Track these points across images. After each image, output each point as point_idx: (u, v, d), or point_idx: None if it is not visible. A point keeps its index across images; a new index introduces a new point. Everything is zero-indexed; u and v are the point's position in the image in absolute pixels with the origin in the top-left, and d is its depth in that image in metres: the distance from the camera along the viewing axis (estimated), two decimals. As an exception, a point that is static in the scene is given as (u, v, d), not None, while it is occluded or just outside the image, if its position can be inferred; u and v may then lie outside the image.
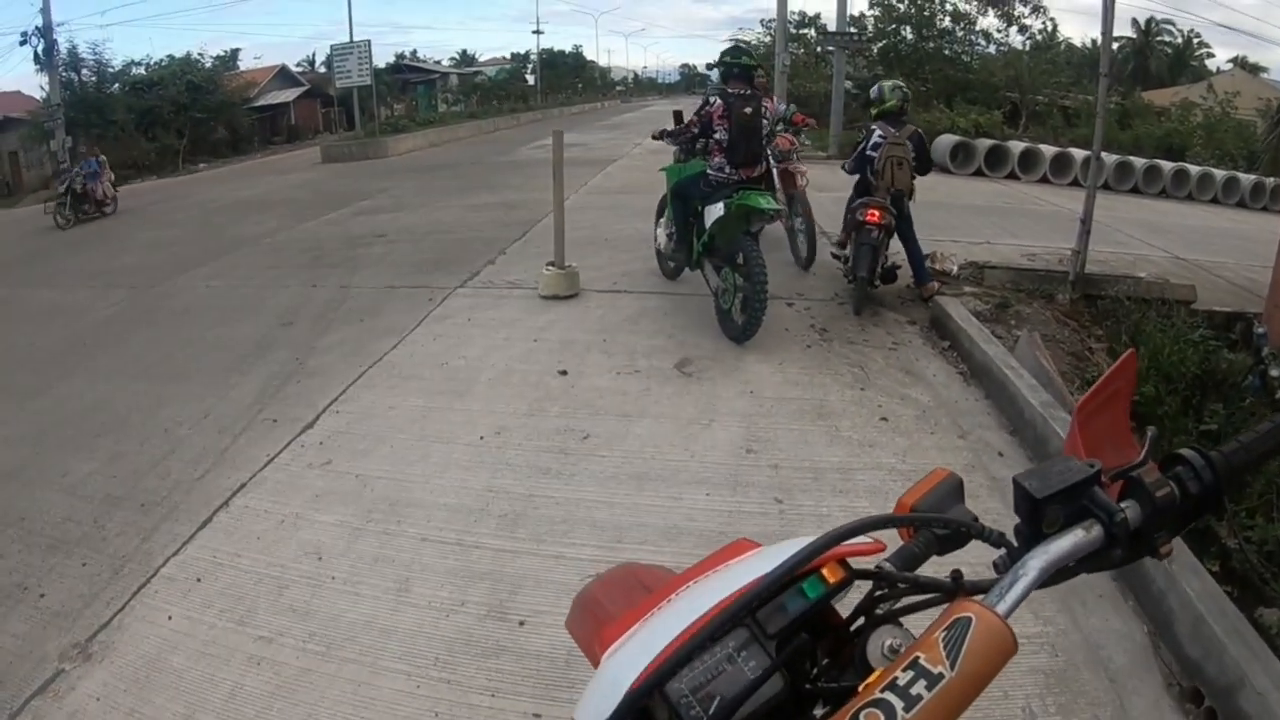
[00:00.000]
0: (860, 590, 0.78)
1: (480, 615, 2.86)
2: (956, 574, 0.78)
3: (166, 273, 9.34)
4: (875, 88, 6.62)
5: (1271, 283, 5.73)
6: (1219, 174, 16.48)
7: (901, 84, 6.64)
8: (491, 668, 2.60)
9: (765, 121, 5.62)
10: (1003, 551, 0.79)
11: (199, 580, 3.22)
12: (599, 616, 1.11)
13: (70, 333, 7.27)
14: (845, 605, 0.79)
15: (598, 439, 4.18)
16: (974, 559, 0.85)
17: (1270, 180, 16.85)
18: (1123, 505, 0.79)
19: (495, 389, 4.89)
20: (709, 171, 5.60)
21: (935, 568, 0.79)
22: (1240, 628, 2.39)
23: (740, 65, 5.65)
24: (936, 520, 0.82)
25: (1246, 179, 16.69)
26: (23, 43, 25.96)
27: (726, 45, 6.10)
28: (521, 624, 2.80)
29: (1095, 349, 6.10)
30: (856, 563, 0.77)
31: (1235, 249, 9.76)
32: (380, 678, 2.59)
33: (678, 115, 6.57)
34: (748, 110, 5.47)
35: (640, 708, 0.71)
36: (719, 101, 5.51)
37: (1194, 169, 16.42)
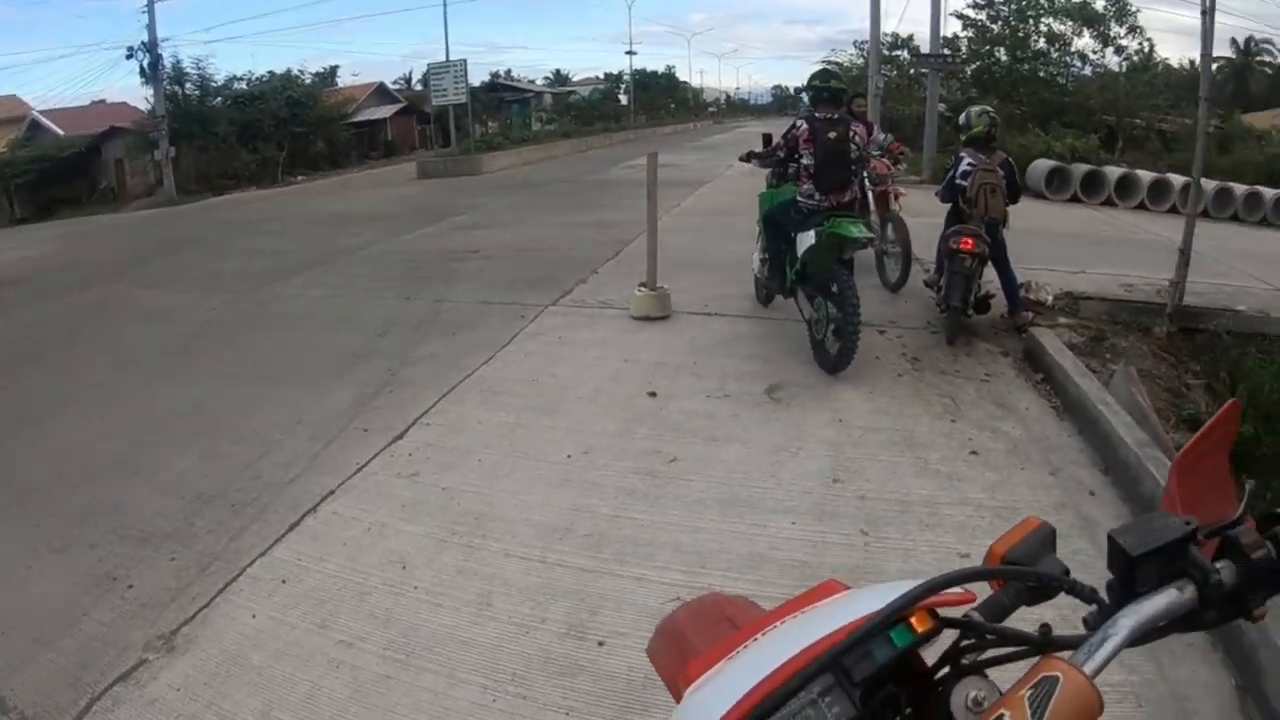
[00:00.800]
0: (946, 637, 0.80)
1: (560, 633, 2.94)
2: (1045, 628, 0.79)
3: (266, 279, 9.87)
4: (963, 114, 6.67)
5: None
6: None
7: (990, 109, 6.64)
8: (569, 686, 2.67)
9: (854, 146, 5.63)
10: (1093, 608, 0.80)
11: (284, 582, 3.39)
12: (682, 648, 1.16)
13: (171, 334, 7.71)
14: (931, 651, 0.81)
15: (685, 462, 4.24)
16: (1067, 609, 0.86)
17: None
18: (1218, 566, 0.79)
19: (585, 408, 5.01)
20: (799, 198, 5.66)
21: (1023, 616, 0.81)
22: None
23: (829, 89, 5.71)
24: (1029, 574, 0.82)
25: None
26: (129, 56, 28.08)
27: (818, 68, 6.15)
28: (601, 644, 2.86)
29: (1192, 385, 5.96)
30: (945, 612, 0.79)
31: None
32: (457, 689, 2.68)
33: (766, 138, 6.67)
34: (832, 135, 5.50)
35: None
36: (804, 126, 5.57)
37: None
